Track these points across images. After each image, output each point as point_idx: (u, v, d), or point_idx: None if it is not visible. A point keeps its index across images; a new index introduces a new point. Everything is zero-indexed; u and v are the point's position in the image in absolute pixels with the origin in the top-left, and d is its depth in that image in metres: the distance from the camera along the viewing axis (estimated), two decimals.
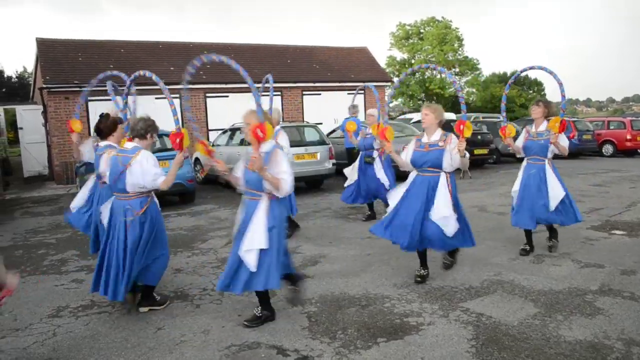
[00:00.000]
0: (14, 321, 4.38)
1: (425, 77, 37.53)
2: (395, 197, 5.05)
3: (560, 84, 5.78)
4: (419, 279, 5.05)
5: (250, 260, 3.87)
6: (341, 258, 6.03)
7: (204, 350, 3.72)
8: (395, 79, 32.28)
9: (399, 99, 39.30)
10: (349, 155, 10.15)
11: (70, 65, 15.80)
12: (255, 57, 19.18)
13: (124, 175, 4.20)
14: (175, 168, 4.25)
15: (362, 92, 17.29)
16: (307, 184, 11.87)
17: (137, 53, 16.85)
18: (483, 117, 21.63)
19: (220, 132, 12.16)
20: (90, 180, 5.43)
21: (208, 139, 15.18)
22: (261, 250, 3.89)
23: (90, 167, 5.56)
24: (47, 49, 16.28)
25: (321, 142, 11.39)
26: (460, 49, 38.18)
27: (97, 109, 14.23)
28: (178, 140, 4.20)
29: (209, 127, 16.64)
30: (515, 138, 6.00)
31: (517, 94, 35.99)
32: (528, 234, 5.90)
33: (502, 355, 3.52)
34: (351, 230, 7.53)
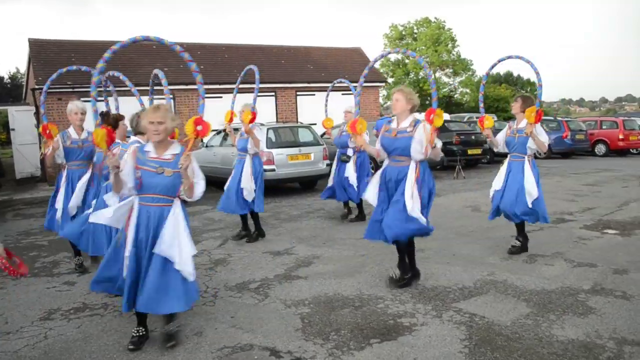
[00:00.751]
0: (4, 324, 4.34)
1: (420, 77, 37.63)
2: (372, 195, 4.84)
3: (537, 73, 5.74)
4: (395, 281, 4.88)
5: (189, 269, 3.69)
6: (335, 259, 6.02)
7: (196, 353, 3.71)
8: (390, 79, 32.33)
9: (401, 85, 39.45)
10: None
11: (63, 66, 15.44)
12: (249, 57, 19.13)
13: None
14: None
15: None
16: (301, 185, 11.87)
17: (131, 54, 16.76)
18: (477, 117, 21.70)
19: (214, 132, 12.12)
20: (82, 180, 5.47)
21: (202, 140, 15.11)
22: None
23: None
24: (40, 50, 16.19)
25: (315, 143, 11.38)
26: (454, 49, 38.32)
27: (90, 109, 14.26)
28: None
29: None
30: (495, 130, 5.95)
31: (511, 94, 36.16)
32: (519, 226, 5.87)
33: (495, 355, 3.52)
34: (345, 231, 7.53)
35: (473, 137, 15.09)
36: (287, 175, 10.85)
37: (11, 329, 4.24)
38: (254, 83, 6.79)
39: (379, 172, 4.86)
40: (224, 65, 18.26)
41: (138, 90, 6.09)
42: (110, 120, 5.04)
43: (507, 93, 36.04)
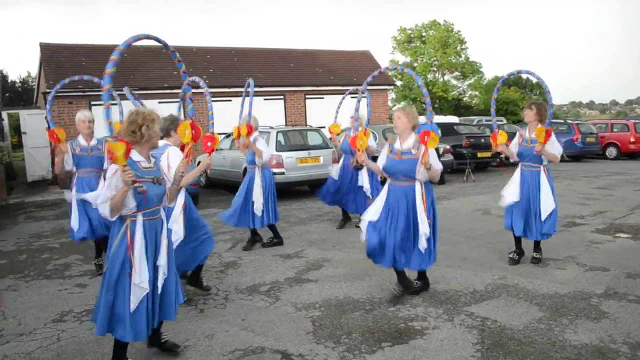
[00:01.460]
0: (18, 326, 4.37)
1: (429, 80, 37.56)
2: (374, 214, 4.64)
3: (548, 92, 5.58)
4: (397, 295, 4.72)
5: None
6: (345, 262, 6.02)
7: (208, 355, 3.72)
8: (398, 83, 32.32)
9: (402, 103, 39.35)
10: None
11: (74, 69, 15.83)
12: (258, 61, 19.22)
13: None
14: (201, 170, 4.48)
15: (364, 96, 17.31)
16: (310, 188, 11.87)
17: (141, 58, 16.91)
18: (486, 121, 21.63)
19: (223, 136, 12.17)
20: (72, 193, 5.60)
21: None
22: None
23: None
24: (51, 54, 16.36)
25: (324, 146, 11.38)
26: (462, 51, 38.22)
27: (100, 113, 14.37)
28: (210, 143, 4.42)
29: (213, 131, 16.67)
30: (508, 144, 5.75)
31: (520, 97, 35.98)
32: (517, 239, 5.72)
33: (508, 359, 3.50)
34: (355, 234, 7.50)
35: (482, 140, 15.02)
36: (296, 178, 10.86)
37: (24, 330, 4.27)
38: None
39: (384, 194, 4.71)
40: (233, 69, 18.34)
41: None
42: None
43: (516, 96, 35.85)
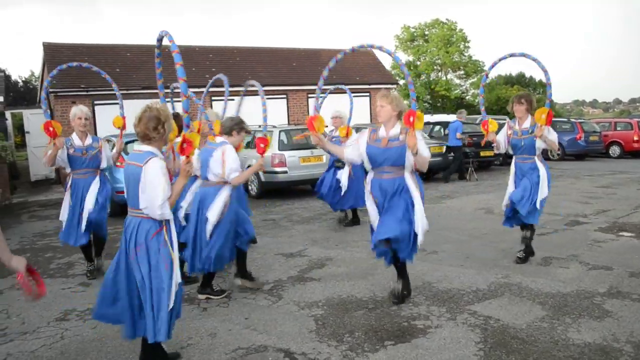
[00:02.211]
0: (21, 325, 4.39)
1: (431, 79, 37.49)
2: (374, 217, 4.40)
3: (546, 71, 5.38)
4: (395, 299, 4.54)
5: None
6: (348, 261, 6.02)
7: (210, 354, 3.72)
8: (401, 82, 32.24)
9: (405, 102, 39.33)
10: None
11: (76, 69, 15.89)
12: (260, 60, 19.22)
13: (207, 163, 4.55)
14: (254, 170, 4.65)
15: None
16: (312, 187, 11.84)
17: (143, 57, 16.90)
18: (479, 121, 21.55)
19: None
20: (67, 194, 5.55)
21: None
22: None
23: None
24: (54, 53, 16.37)
25: None
26: (465, 50, 38.12)
27: (103, 113, 14.41)
28: (262, 145, 4.54)
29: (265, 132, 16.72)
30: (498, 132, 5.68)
31: None
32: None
33: (511, 358, 3.50)
34: (357, 232, 7.52)
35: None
36: (299, 177, 10.87)
37: (28, 329, 4.29)
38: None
39: (369, 189, 4.39)
40: (236, 67, 18.34)
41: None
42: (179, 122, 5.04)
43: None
